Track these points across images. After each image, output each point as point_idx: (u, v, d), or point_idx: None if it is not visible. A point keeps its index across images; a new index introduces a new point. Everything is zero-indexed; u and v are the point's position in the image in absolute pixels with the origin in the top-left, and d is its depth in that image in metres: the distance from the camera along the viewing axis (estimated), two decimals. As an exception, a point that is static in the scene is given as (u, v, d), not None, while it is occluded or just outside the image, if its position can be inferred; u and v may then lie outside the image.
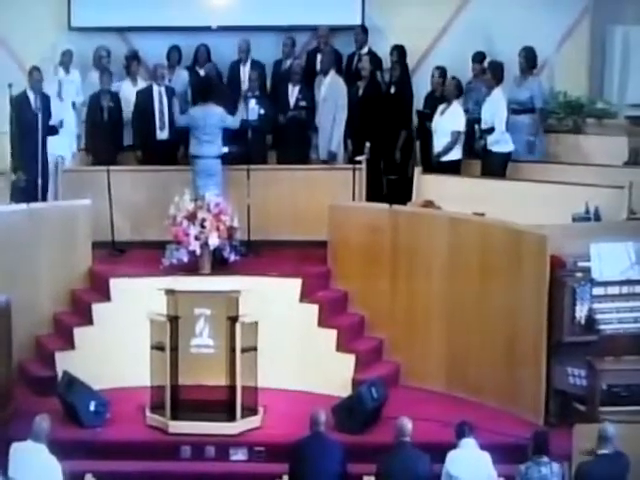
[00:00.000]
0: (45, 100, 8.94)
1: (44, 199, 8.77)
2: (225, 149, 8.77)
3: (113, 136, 9.44)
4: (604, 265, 7.23)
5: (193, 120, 8.64)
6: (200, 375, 7.26)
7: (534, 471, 5.96)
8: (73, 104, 9.64)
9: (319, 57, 9.81)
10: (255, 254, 8.57)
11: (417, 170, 9.05)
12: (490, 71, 9.30)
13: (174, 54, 9.94)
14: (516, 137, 9.22)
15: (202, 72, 9.97)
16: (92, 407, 7.26)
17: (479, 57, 9.74)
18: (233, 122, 8.66)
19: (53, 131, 9.01)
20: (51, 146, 9.06)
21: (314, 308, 7.98)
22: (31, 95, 8.88)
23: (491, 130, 9.17)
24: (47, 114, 8.90)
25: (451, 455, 6.18)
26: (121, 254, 8.75)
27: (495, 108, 9.14)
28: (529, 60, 9.44)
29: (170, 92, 9.40)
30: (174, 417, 7.19)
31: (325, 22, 10.04)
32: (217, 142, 8.63)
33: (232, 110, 8.91)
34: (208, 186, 8.39)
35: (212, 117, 8.59)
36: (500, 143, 9.16)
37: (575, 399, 7.22)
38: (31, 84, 8.91)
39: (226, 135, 8.71)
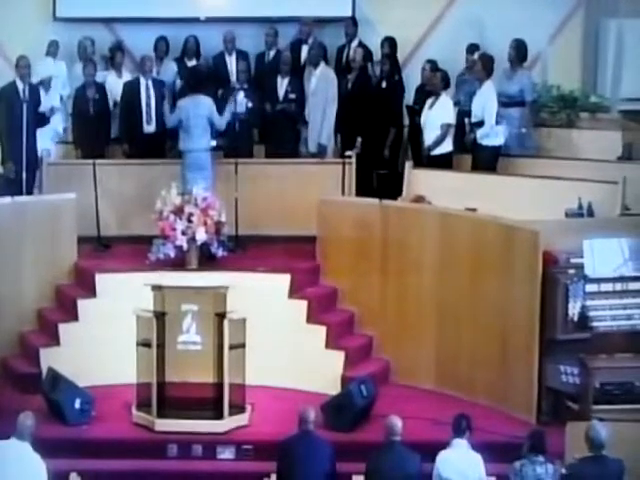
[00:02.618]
0: (34, 90, 8.83)
1: (30, 192, 8.66)
2: (213, 142, 8.71)
3: (100, 128, 9.34)
4: (597, 261, 7.20)
5: (182, 112, 8.57)
6: (187, 372, 7.22)
7: (529, 469, 5.92)
8: (60, 97, 9.53)
9: (304, 48, 9.78)
10: (243, 249, 8.52)
11: (408, 165, 9.00)
12: (481, 64, 9.25)
13: (161, 45, 9.87)
14: (506, 130, 9.14)
15: (191, 64, 9.88)
16: (77, 404, 7.21)
17: (472, 49, 9.72)
18: (219, 122, 8.61)
19: (44, 120, 8.89)
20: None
21: (303, 304, 7.94)
22: (20, 85, 8.79)
23: (481, 124, 9.12)
24: (36, 104, 8.79)
25: (442, 456, 6.14)
26: (106, 249, 8.68)
27: (485, 101, 9.10)
28: (519, 53, 9.38)
29: (158, 85, 9.31)
30: (160, 415, 7.15)
31: (315, 14, 10.02)
32: (206, 135, 8.60)
33: (220, 103, 8.83)
34: (197, 180, 8.34)
35: (201, 107, 8.55)
36: (490, 137, 9.11)
37: (568, 397, 7.19)
38: (19, 74, 8.81)
39: (213, 128, 8.65)
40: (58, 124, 9.40)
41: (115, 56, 9.70)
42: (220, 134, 8.84)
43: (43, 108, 8.85)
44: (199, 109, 8.52)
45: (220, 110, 8.73)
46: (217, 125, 8.60)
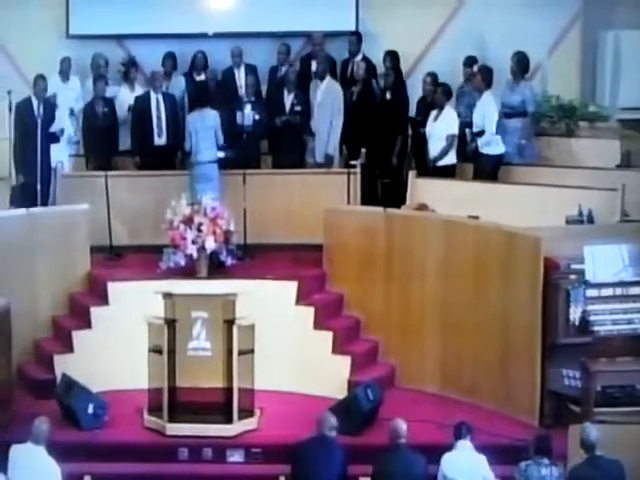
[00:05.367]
0: (49, 108, 9.03)
1: (45, 204, 8.81)
2: (221, 154, 8.85)
3: (109, 142, 9.49)
4: (597, 267, 7.26)
5: (190, 125, 8.76)
6: (197, 377, 7.31)
7: (534, 470, 6.01)
8: (72, 111, 9.70)
9: (313, 63, 9.89)
10: (251, 257, 8.63)
11: (411, 174, 9.09)
12: (480, 75, 9.36)
13: (169, 61, 10.01)
14: (508, 141, 9.29)
15: (199, 78, 10.02)
16: (90, 409, 7.31)
17: (470, 61, 9.81)
18: (220, 139, 8.74)
19: (54, 139, 9.09)
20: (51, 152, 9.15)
21: (310, 311, 8.04)
22: (34, 102, 8.98)
23: (482, 133, 9.24)
24: (49, 121, 8.98)
25: (446, 457, 6.22)
26: (119, 258, 8.80)
27: (485, 111, 9.21)
28: (521, 65, 9.50)
29: (168, 99, 9.48)
30: (172, 419, 7.24)
31: (320, 28, 10.11)
32: (213, 147, 8.75)
33: (226, 116, 8.99)
34: (206, 190, 8.47)
35: (208, 120, 8.72)
36: (491, 145, 9.23)
37: (570, 400, 7.25)
38: (35, 92, 9.01)
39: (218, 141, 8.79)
40: (69, 147, 9.55)
41: (129, 71, 9.86)
42: (229, 146, 8.99)
43: (54, 128, 9.02)
44: (206, 122, 8.69)
45: (230, 123, 8.89)
46: (218, 140, 8.75)
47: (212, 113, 8.80)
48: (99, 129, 9.42)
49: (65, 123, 9.41)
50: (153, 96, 9.44)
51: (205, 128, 8.69)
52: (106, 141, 9.45)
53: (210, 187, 8.56)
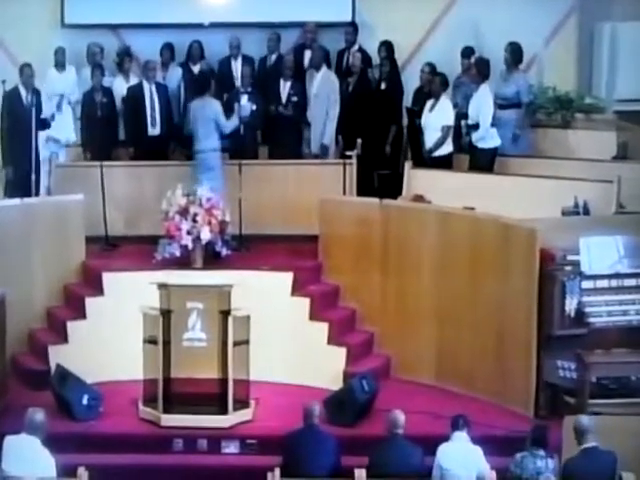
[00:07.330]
0: (36, 95, 9.00)
1: (36, 194, 8.80)
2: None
3: (108, 131, 9.44)
4: (593, 259, 7.28)
5: (190, 113, 8.76)
6: (192, 368, 7.32)
7: (529, 462, 6.03)
8: (69, 101, 9.69)
9: (307, 53, 9.92)
10: (247, 248, 8.63)
11: (407, 165, 9.11)
12: (476, 67, 9.38)
13: (166, 51, 10.00)
14: (502, 131, 9.30)
15: (195, 69, 10.02)
16: (85, 401, 7.31)
17: (468, 52, 9.83)
18: (224, 125, 8.71)
19: (45, 125, 9.07)
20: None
21: (305, 302, 8.04)
22: (22, 91, 8.97)
23: (477, 126, 9.24)
24: (38, 109, 8.96)
25: (442, 448, 6.24)
26: (114, 248, 8.80)
27: (481, 104, 9.22)
28: (515, 55, 9.51)
29: (161, 89, 9.47)
30: (166, 410, 7.24)
31: (316, 18, 10.13)
32: (213, 136, 8.71)
33: (225, 107, 8.99)
34: (209, 179, 8.45)
35: (207, 109, 8.69)
36: (485, 139, 9.23)
37: (565, 392, 7.27)
38: (23, 80, 8.99)
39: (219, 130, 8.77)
40: (69, 130, 9.56)
41: (123, 61, 9.85)
42: (225, 136, 8.98)
43: (44, 115, 9.00)
44: (205, 111, 8.67)
45: (226, 114, 8.89)
46: (222, 128, 8.71)
47: (213, 102, 8.78)
48: (98, 119, 9.36)
49: (67, 112, 9.37)
50: (146, 86, 9.42)
51: (204, 116, 8.67)
52: (105, 131, 9.38)
53: (211, 176, 8.54)
